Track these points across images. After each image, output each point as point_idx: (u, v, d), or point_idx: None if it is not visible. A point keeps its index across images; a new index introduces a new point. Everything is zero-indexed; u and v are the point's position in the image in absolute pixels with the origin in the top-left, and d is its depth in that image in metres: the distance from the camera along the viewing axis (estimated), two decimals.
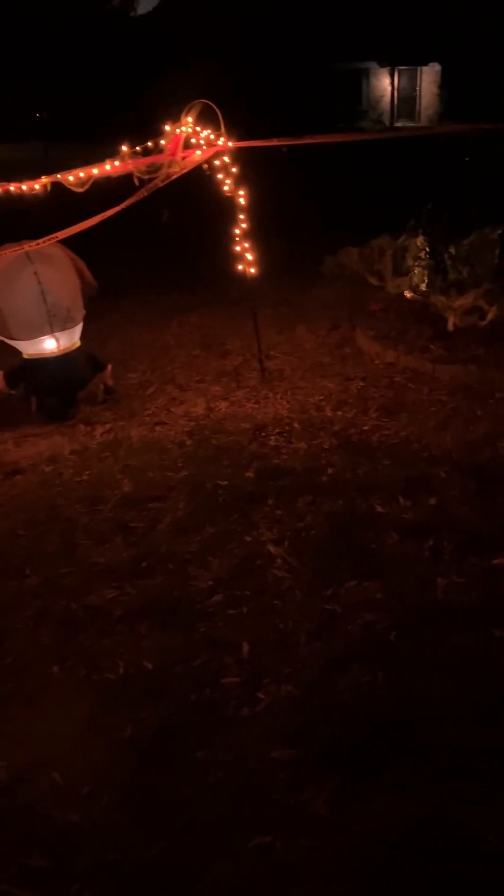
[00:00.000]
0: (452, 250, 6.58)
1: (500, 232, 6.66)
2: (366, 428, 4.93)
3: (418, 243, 6.66)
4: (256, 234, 5.66)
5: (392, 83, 28.19)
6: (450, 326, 5.83)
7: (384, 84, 28.49)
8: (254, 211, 5.58)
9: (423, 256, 6.65)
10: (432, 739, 2.51)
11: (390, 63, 27.68)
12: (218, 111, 5.15)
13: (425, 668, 2.83)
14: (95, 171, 4.92)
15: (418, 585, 3.32)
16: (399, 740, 2.51)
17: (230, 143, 5.29)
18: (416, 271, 6.60)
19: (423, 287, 6.44)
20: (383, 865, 2.13)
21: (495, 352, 5.53)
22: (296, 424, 5.03)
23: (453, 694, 2.70)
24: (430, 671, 2.81)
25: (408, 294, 6.49)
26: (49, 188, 4.91)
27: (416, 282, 6.52)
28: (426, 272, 6.54)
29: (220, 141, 5.25)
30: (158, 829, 2.30)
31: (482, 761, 2.43)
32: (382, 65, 27.96)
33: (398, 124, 27.89)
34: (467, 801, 2.30)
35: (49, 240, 5.03)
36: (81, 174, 4.89)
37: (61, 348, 5.43)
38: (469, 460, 4.37)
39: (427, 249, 6.66)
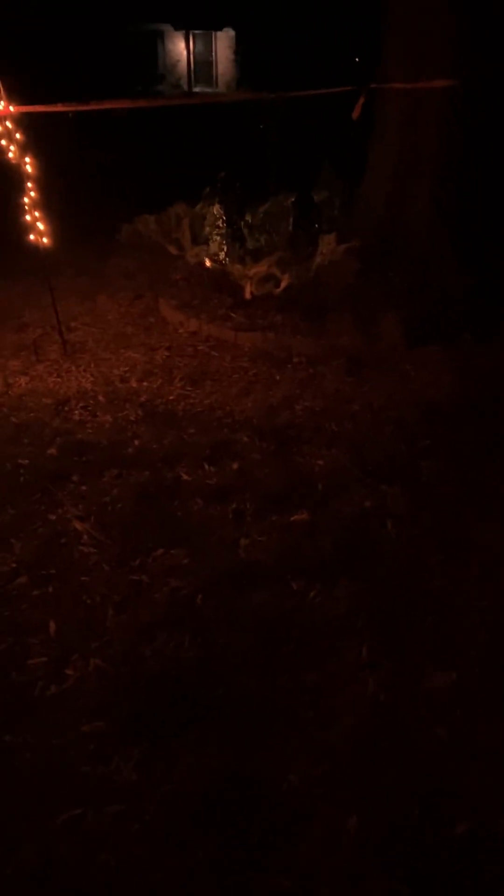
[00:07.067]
0: (249, 218, 6.71)
1: (293, 199, 6.87)
2: (171, 397, 4.97)
3: (215, 211, 6.73)
4: (48, 204, 5.47)
5: (188, 47, 27.97)
6: (247, 295, 5.96)
7: (180, 48, 28.20)
8: (44, 179, 5.38)
9: (220, 225, 6.73)
10: (232, 695, 2.63)
11: (185, 26, 27.41)
12: None
13: (228, 627, 2.95)
14: None
15: (222, 548, 3.43)
16: (202, 700, 2.61)
17: (12, 108, 5.05)
18: (214, 239, 6.67)
19: (221, 255, 6.52)
20: (190, 822, 2.22)
21: (290, 318, 5.74)
22: (100, 397, 4.98)
23: (253, 648, 2.83)
24: (232, 630, 2.93)
25: (207, 263, 6.55)
26: None
27: (215, 250, 6.59)
28: (224, 240, 6.63)
29: (1, 105, 5.00)
30: None
31: (278, 709, 2.58)
32: (177, 28, 27.63)
33: (196, 89, 27.77)
34: (266, 748, 2.44)
35: None
36: None
37: None
38: (268, 424, 4.55)
39: (224, 218, 6.76)
